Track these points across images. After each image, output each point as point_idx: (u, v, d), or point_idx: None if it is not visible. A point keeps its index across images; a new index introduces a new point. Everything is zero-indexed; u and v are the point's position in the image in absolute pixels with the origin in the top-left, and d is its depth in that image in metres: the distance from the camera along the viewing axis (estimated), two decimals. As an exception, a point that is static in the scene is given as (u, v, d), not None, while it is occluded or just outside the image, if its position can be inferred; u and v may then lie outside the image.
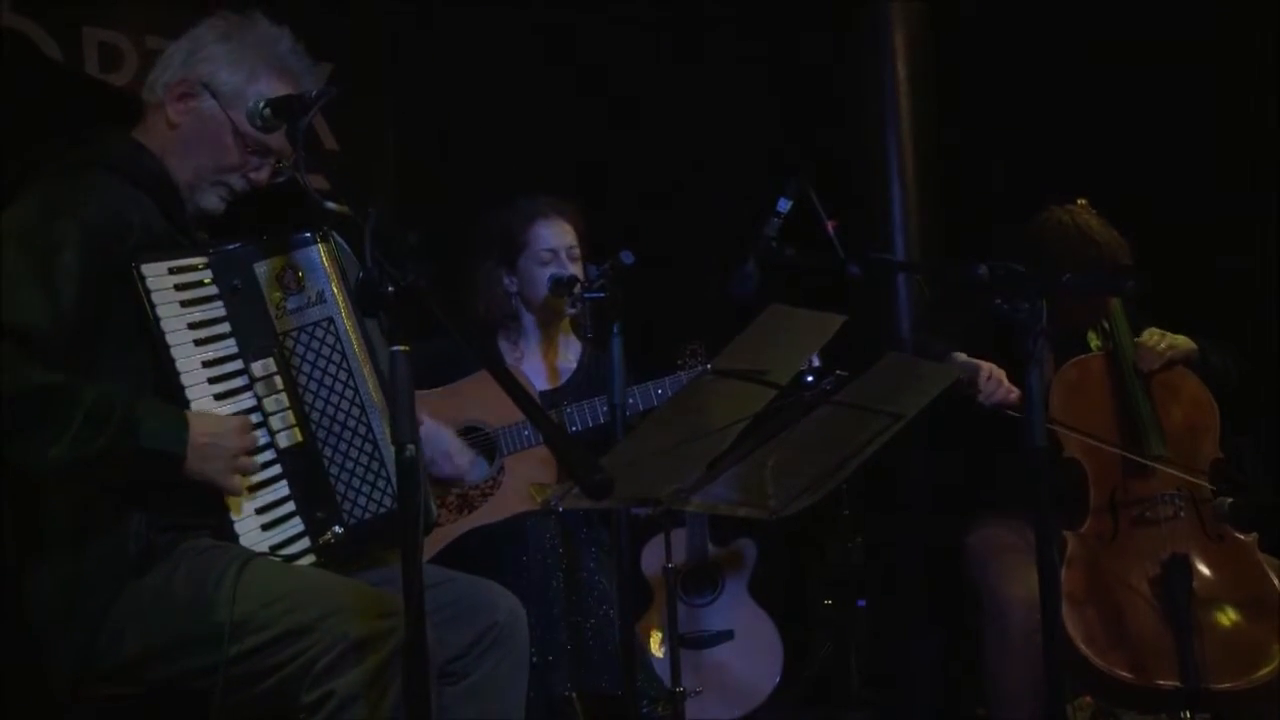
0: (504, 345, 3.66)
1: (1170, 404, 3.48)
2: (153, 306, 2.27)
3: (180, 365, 2.29)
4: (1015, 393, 3.35)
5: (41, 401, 2.14)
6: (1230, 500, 3.30)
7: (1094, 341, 3.62)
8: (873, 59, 4.60)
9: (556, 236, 3.57)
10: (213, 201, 2.45)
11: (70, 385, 2.17)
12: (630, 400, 3.21)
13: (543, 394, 3.57)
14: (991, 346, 3.33)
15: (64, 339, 2.20)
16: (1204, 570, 3.28)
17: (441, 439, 2.76)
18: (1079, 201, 3.65)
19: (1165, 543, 3.31)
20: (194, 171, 2.42)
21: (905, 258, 4.46)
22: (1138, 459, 3.35)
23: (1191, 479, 3.34)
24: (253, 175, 2.45)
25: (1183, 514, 3.37)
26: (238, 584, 2.19)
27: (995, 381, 3.37)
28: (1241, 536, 3.34)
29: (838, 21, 4.71)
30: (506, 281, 3.60)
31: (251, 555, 2.26)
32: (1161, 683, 3.13)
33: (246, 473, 2.30)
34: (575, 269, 3.56)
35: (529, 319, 3.64)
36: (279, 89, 2.41)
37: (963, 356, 3.44)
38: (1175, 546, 3.29)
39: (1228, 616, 3.23)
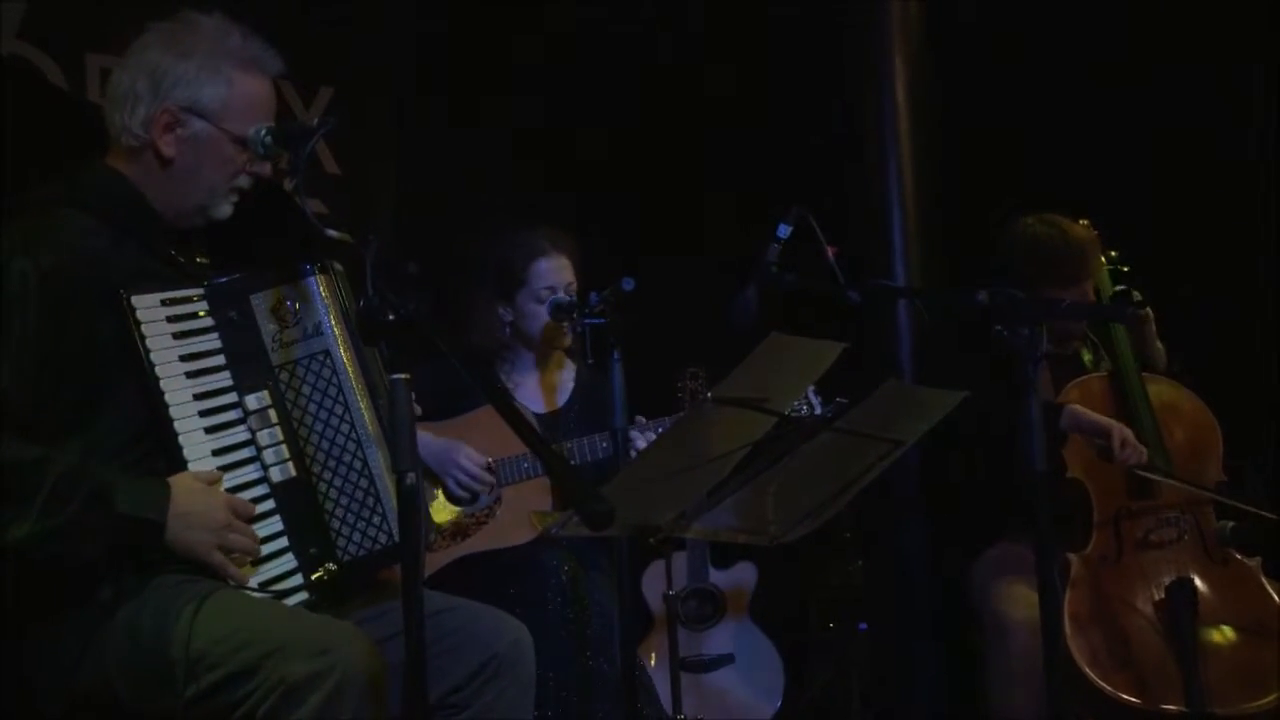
0: (499, 374, 3.64)
1: (1173, 425, 3.49)
2: (142, 339, 2.23)
3: (170, 398, 2.25)
4: (1145, 452, 3.34)
5: (6, 480, 2.09)
6: (1233, 524, 3.30)
7: (1086, 356, 3.63)
8: (872, 83, 4.59)
9: (556, 274, 3.52)
10: (226, 209, 2.41)
11: (36, 460, 2.12)
12: (633, 439, 3.20)
13: (541, 417, 3.55)
14: (989, 372, 3.32)
15: (30, 395, 2.15)
16: (1208, 593, 3.28)
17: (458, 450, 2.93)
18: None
19: (1169, 565, 3.31)
20: (207, 192, 2.38)
21: (905, 284, 4.45)
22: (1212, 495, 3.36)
23: (1222, 498, 3.36)
24: (255, 170, 2.40)
25: (1186, 536, 3.37)
26: (194, 620, 2.14)
27: (1132, 448, 3.33)
28: (1245, 560, 3.34)
29: (836, 42, 4.70)
30: (501, 313, 3.56)
31: (214, 589, 2.20)
32: (1167, 707, 3.12)
33: (233, 551, 2.24)
34: None
35: (523, 349, 3.61)
36: (254, 83, 2.37)
37: (1080, 409, 3.39)
38: (1179, 569, 3.30)
39: (1233, 641, 3.23)
